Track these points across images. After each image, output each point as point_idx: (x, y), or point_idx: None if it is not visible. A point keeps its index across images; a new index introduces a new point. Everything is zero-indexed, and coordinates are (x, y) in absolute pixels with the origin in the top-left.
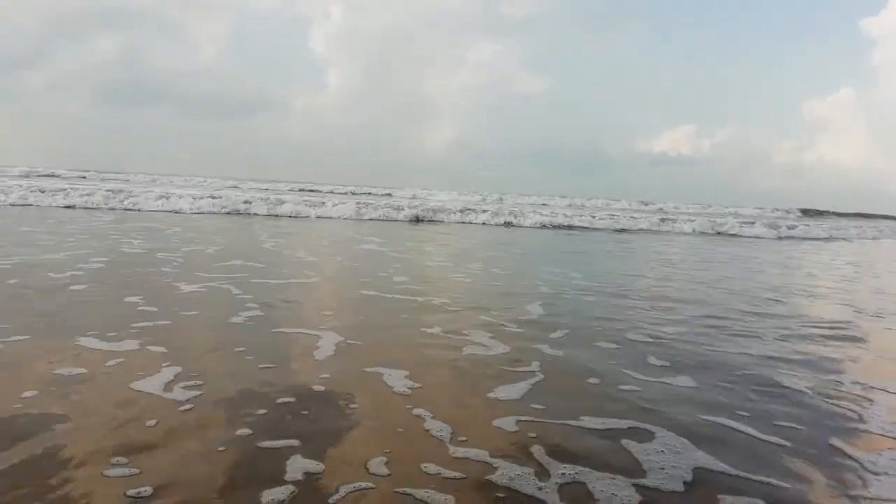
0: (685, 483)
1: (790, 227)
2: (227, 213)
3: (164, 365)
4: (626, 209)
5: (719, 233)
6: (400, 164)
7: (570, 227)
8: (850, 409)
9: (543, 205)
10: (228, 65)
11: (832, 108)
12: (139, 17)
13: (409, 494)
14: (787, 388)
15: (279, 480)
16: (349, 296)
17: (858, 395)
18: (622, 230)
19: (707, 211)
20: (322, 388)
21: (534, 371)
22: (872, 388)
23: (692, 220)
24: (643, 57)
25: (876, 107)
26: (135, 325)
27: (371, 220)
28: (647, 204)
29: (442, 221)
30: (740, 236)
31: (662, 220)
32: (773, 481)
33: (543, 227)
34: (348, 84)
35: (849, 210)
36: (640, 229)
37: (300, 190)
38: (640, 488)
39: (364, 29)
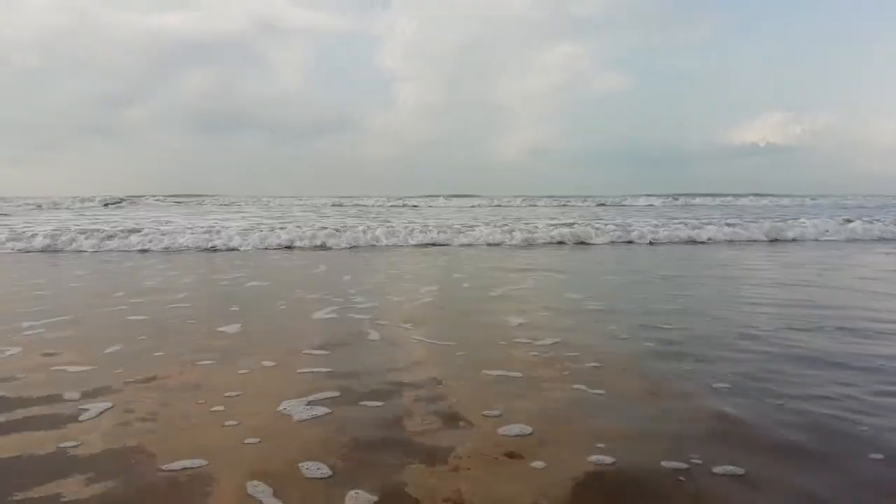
0: None
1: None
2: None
3: None
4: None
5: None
6: (477, 173)
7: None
8: None
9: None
10: (307, 89)
11: None
12: (226, 50)
13: None
14: None
15: None
16: None
17: None
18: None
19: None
20: None
21: None
22: None
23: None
24: (724, 49)
25: None
26: None
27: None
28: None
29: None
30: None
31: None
32: None
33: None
34: (422, 98)
35: None
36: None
37: (391, 206)
38: None
39: (435, 42)
